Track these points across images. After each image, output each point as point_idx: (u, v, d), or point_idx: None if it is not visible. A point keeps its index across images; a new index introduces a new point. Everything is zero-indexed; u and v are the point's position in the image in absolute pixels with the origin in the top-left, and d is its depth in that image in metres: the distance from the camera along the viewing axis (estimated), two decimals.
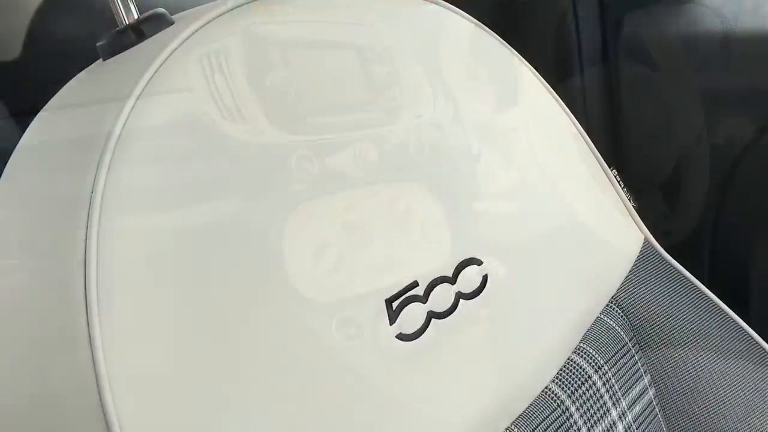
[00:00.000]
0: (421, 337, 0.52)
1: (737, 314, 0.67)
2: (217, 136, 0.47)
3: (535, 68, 0.65)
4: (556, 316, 0.60)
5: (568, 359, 0.59)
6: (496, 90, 0.61)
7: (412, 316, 0.52)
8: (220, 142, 0.47)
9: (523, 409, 0.56)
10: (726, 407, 0.64)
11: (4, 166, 0.51)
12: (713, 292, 0.68)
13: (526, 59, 0.65)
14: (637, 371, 0.63)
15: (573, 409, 0.57)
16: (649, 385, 0.64)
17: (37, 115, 0.52)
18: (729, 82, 0.95)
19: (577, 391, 0.58)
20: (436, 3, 0.60)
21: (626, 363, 0.62)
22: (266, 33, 0.51)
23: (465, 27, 0.61)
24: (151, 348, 0.43)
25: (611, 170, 0.68)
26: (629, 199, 0.69)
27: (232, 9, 0.51)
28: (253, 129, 0.48)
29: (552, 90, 0.65)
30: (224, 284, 0.45)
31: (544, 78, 0.65)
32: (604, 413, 0.59)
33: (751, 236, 0.97)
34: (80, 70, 0.54)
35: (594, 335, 0.61)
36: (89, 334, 0.41)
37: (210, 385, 0.44)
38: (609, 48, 1.04)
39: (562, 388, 0.58)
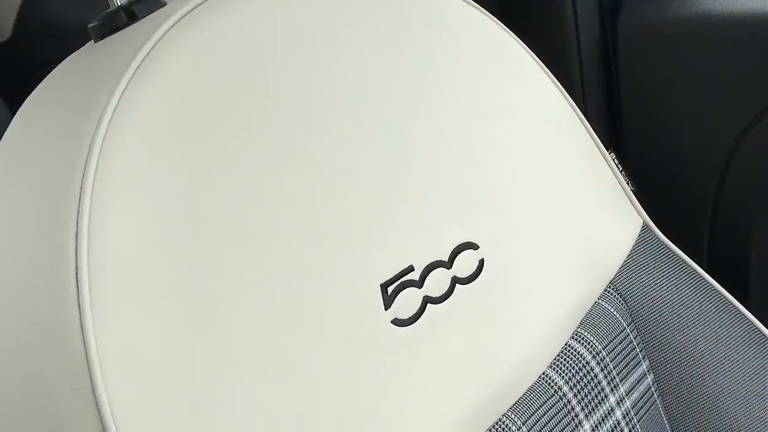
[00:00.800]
0: (416, 322, 0.52)
1: (737, 299, 0.67)
2: (211, 119, 0.47)
3: (533, 52, 0.65)
4: (553, 301, 0.60)
5: (566, 345, 0.59)
6: (494, 73, 0.61)
7: (408, 301, 0.52)
8: (214, 125, 0.47)
9: (520, 395, 0.56)
10: (725, 392, 0.64)
11: None
12: (713, 277, 0.67)
13: (524, 43, 0.64)
14: (635, 357, 0.62)
15: (570, 395, 0.57)
16: (648, 371, 0.63)
17: (28, 98, 0.52)
18: (729, 64, 0.94)
19: (574, 377, 0.58)
20: None
21: (624, 349, 0.62)
22: (261, 14, 0.51)
23: (464, 11, 0.61)
24: (143, 331, 0.42)
25: (609, 154, 0.68)
26: (628, 184, 0.68)
27: None
28: (248, 112, 0.48)
29: (550, 73, 0.65)
30: (217, 269, 0.45)
31: (542, 61, 0.65)
32: (602, 399, 0.59)
33: (751, 220, 0.97)
34: (72, 52, 0.54)
35: (592, 321, 0.61)
36: (81, 319, 0.41)
37: (200, 370, 0.44)
38: (607, 31, 1.03)
39: (560, 374, 0.57)
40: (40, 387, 0.43)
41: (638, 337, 0.64)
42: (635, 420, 0.61)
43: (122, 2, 0.52)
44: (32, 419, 0.43)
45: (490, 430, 0.54)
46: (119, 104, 0.44)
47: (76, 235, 0.42)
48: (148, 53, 0.46)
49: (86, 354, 0.41)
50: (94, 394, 0.40)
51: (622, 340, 0.62)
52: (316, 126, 0.50)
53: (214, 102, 0.47)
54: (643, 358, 0.63)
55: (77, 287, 0.41)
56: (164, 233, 0.44)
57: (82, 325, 0.41)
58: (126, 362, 0.42)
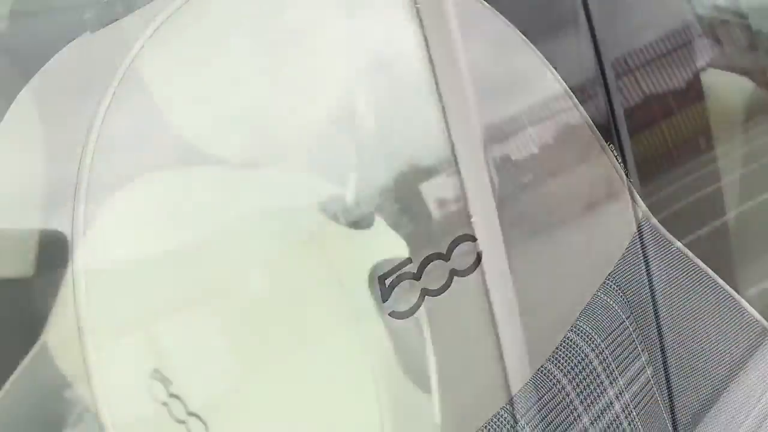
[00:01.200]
0: (414, 314, 0.52)
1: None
2: (209, 108, 0.47)
3: (529, 41, 0.64)
4: (551, 294, 0.60)
5: (565, 337, 0.59)
6: (485, 59, 0.61)
7: (406, 293, 0.52)
8: (212, 114, 0.47)
9: (519, 388, 0.56)
10: (725, 387, 0.64)
11: None
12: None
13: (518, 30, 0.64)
14: (634, 350, 0.62)
15: (569, 388, 0.57)
16: (647, 364, 0.63)
17: (24, 88, 0.52)
18: (726, 52, 0.94)
19: (573, 370, 0.58)
20: None
21: (623, 341, 0.62)
22: (259, 4, 0.50)
23: None
24: (141, 324, 0.42)
25: (608, 146, 0.67)
26: (626, 175, 0.68)
27: None
28: (246, 100, 0.48)
29: (546, 61, 0.65)
30: (214, 254, 0.45)
31: (539, 51, 0.65)
32: (601, 392, 0.59)
33: (754, 211, 0.97)
34: (67, 43, 0.54)
35: (591, 313, 0.61)
36: (76, 313, 0.41)
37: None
38: (605, 19, 1.03)
39: (559, 367, 0.57)
40: (39, 383, 0.43)
41: (637, 329, 0.64)
42: (634, 413, 0.61)
43: None
44: (31, 415, 0.43)
45: (489, 422, 0.54)
46: (115, 95, 0.44)
47: (72, 227, 0.42)
48: (144, 45, 0.46)
49: (82, 350, 0.41)
50: (92, 392, 0.41)
51: (621, 332, 0.62)
52: (312, 118, 0.50)
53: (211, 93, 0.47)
54: (642, 351, 0.63)
55: (73, 280, 0.41)
56: (160, 224, 0.44)
57: (78, 321, 0.41)
58: (125, 359, 0.42)
